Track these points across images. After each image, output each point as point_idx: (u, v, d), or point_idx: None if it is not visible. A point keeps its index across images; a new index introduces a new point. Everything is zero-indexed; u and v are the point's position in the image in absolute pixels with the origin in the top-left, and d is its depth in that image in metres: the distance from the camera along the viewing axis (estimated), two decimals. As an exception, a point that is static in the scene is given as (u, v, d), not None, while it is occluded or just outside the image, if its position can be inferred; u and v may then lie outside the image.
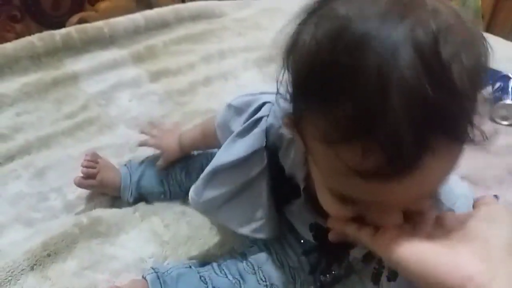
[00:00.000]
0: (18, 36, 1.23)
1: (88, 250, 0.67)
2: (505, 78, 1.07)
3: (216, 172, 0.54)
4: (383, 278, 0.48)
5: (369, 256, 0.49)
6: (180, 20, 1.31)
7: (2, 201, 0.75)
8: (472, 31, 0.32)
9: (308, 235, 0.55)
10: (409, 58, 0.29)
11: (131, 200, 0.75)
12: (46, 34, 1.13)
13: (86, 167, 0.74)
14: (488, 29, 1.71)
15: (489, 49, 0.33)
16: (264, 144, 0.52)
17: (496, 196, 0.80)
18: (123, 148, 0.89)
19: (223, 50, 1.22)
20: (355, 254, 0.51)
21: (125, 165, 0.79)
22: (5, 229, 0.70)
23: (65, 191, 0.78)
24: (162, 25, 1.27)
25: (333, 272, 0.57)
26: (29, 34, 1.18)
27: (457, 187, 0.49)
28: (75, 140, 0.91)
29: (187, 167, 0.75)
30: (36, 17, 1.27)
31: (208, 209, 0.59)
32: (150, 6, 1.31)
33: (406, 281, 0.39)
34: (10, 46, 1.09)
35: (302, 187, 0.50)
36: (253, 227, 0.56)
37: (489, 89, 1.08)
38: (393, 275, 0.46)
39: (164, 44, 1.23)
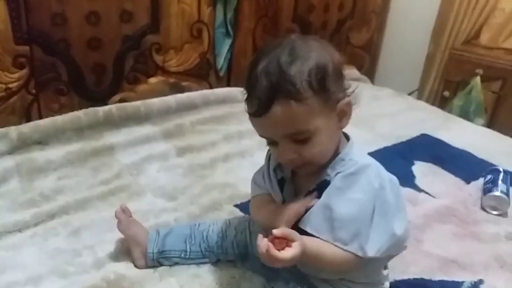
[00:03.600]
0: (62, 107, 1.38)
1: (112, 303, 0.77)
2: (496, 171, 1.18)
3: (253, 178, 0.83)
4: None
5: None
6: (207, 103, 1.49)
7: (42, 254, 0.87)
8: (322, 60, 0.63)
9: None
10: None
11: (155, 250, 0.84)
12: (91, 110, 1.31)
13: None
14: (490, 124, 1.84)
15: (332, 65, 0.64)
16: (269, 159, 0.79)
17: (481, 281, 0.88)
18: (148, 214, 1.01)
19: (242, 132, 1.38)
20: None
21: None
22: (43, 279, 0.81)
23: (96, 249, 0.89)
24: (191, 107, 1.46)
25: None
26: (72, 106, 1.34)
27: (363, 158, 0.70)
28: (108, 204, 1.03)
29: (208, 230, 0.87)
30: (80, 91, 1.43)
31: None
32: (181, 90, 1.50)
33: None
34: (59, 119, 1.26)
35: (289, 175, 0.75)
36: None
37: (481, 180, 1.19)
38: None
39: (191, 124, 1.40)
